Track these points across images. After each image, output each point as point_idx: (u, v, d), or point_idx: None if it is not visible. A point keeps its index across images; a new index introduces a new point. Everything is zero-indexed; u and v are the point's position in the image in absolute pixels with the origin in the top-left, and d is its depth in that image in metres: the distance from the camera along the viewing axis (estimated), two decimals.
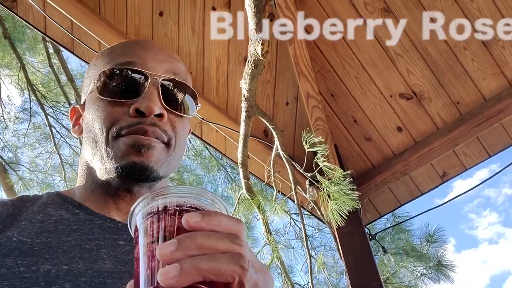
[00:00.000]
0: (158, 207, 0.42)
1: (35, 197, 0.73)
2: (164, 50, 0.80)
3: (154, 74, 0.73)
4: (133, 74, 0.73)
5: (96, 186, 0.75)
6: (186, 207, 0.42)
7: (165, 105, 0.72)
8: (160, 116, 0.71)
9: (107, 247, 0.64)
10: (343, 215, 2.20)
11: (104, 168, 0.72)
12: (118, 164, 0.69)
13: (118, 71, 0.73)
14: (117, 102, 0.72)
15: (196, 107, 0.80)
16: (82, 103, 0.82)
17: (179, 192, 0.43)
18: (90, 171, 0.77)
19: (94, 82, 0.76)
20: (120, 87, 0.73)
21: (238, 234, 0.42)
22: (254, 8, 1.47)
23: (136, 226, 0.44)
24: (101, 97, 0.73)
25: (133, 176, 0.70)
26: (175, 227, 0.41)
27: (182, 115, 0.76)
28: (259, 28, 1.54)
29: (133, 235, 0.45)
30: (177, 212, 0.42)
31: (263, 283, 0.43)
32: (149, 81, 0.72)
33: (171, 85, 0.75)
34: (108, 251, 0.63)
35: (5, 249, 0.59)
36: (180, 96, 0.77)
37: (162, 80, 0.74)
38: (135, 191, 0.74)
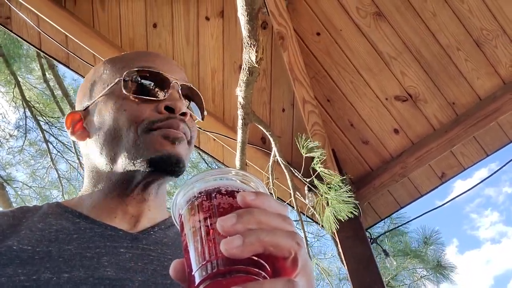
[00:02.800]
0: (208, 188, 0.44)
1: (35, 208, 0.73)
2: (173, 60, 0.87)
3: (174, 78, 0.79)
4: (156, 77, 0.77)
5: (110, 189, 0.75)
6: (235, 188, 0.45)
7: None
8: (184, 115, 0.76)
9: (108, 254, 0.64)
10: (341, 221, 2.20)
11: (133, 163, 0.72)
12: (153, 156, 0.71)
13: (143, 73, 0.77)
14: (145, 100, 0.75)
15: (203, 113, 0.86)
16: (83, 109, 0.82)
17: (222, 174, 0.46)
18: (102, 175, 0.76)
19: (114, 83, 0.78)
20: (145, 87, 0.77)
21: (286, 215, 0.44)
22: (247, 16, 1.48)
23: (185, 203, 0.45)
24: (127, 94, 0.75)
25: (168, 167, 0.71)
26: (228, 204, 0.43)
27: (197, 118, 0.83)
28: (252, 36, 1.55)
29: (177, 217, 0.47)
30: (228, 192, 0.44)
31: (310, 264, 0.45)
32: (171, 84, 0.77)
33: (187, 91, 0.82)
34: (110, 259, 0.63)
35: (5, 258, 0.58)
36: (193, 101, 0.83)
37: (181, 84, 0.80)
38: (149, 190, 0.75)
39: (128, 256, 0.65)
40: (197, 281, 0.40)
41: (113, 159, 0.74)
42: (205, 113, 0.87)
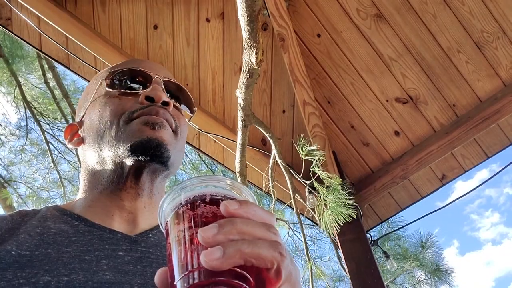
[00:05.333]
0: (194, 196, 0.44)
1: (33, 212, 0.73)
2: (160, 64, 0.89)
3: (157, 74, 0.82)
4: (138, 74, 0.81)
5: (105, 186, 0.76)
6: (220, 196, 0.44)
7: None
8: (167, 104, 0.78)
9: (107, 257, 0.64)
10: (340, 224, 2.20)
11: (116, 153, 0.73)
12: (132, 142, 0.72)
13: (125, 72, 0.81)
14: (126, 93, 0.78)
15: (193, 108, 0.88)
16: (79, 120, 0.85)
17: (211, 182, 0.45)
18: (97, 174, 0.78)
19: (98, 86, 0.81)
20: (127, 83, 0.80)
21: (272, 224, 0.44)
22: (247, 18, 1.48)
23: (170, 211, 0.45)
24: (110, 89, 0.79)
25: (148, 151, 0.72)
26: (212, 213, 0.42)
27: (182, 112, 0.84)
28: (253, 37, 1.55)
29: (163, 225, 0.46)
30: (212, 201, 0.43)
31: (295, 273, 0.44)
32: (153, 79, 0.80)
33: (171, 86, 0.84)
34: (108, 262, 0.63)
35: (4, 263, 0.58)
36: (178, 96, 0.85)
37: (164, 79, 0.82)
38: (141, 182, 0.75)
39: (127, 259, 0.65)
40: None
41: (101, 155, 0.76)
42: (195, 108, 0.88)
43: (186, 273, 0.40)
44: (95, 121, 0.78)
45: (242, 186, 0.47)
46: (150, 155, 0.72)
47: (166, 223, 0.45)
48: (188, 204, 0.43)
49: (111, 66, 0.91)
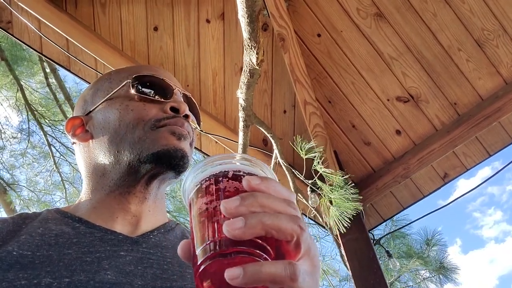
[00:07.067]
0: (217, 171, 0.46)
1: (34, 214, 0.73)
2: (173, 77, 0.91)
3: (176, 86, 0.84)
4: (161, 83, 0.82)
5: (114, 187, 0.76)
6: (242, 172, 0.46)
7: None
8: (187, 117, 0.81)
9: (108, 258, 0.64)
10: (346, 221, 2.19)
11: (137, 157, 0.74)
12: (160, 149, 0.73)
13: (149, 78, 0.82)
14: (151, 100, 0.80)
15: (200, 124, 0.90)
16: (84, 114, 0.84)
17: (233, 159, 0.47)
18: (106, 173, 0.77)
19: (120, 88, 0.82)
20: (151, 90, 0.81)
21: (292, 200, 0.45)
22: (248, 18, 1.48)
23: (194, 186, 0.47)
24: (135, 93, 0.79)
25: (173, 160, 0.74)
26: (234, 188, 0.44)
27: (196, 125, 0.87)
28: (253, 37, 1.55)
29: (187, 200, 0.48)
30: (234, 176, 0.45)
31: (314, 248, 0.45)
32: (174, 90, 0.83)
33: (188, 99, 0.87)
34: (110, 262, 0.63)
35: (5, 264, 0.58)
36: (191, 111, 0.86)
37: (182, 93, 0.85)
38: (150, 188, 0.77)
39: (128, 259, 0.65)
40: (199, 260, 0.41)
41: (117, 156, 0.76)
42: (202, 124, 0.92)
43: (208, 242, 0.41)
44: (113, 121, 0.78)
45: (263, 164, 0.48)
46: (174, 165, 0.74)
47: (189, 198, 0.47)
48: (212, 179, 0.45)
49: (126, 67, 0.92)
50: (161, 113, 0.78)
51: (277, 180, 0.48)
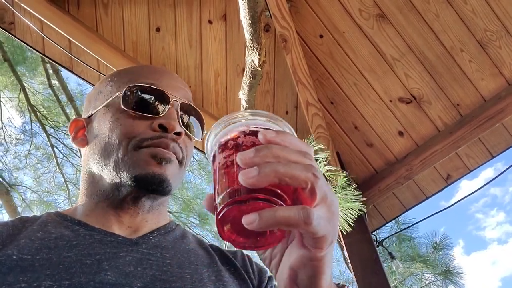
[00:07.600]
0: (236, 127, 0.48)
1: (34, 218, 0.74)
2: (179, 78, 0.88)
3: (175, 96, 0.80)
4: (156, 94, 0.78)
5: (101, 198, 0.76)
6: (260, 127, 0.48)
7: (182, 125, 0.79)
8: (178, 134, 0.77)
9: (108, 260, 0.64)
10: (350, 222, 2.19)
11: (119, 177, 0.73)
12: (138, 173, 0.72)
13: (143, 89, 0.78)
14: (141, 116, 0.76)
15: (203, 133, 0.86)
16: (87, 116, 0.84)
17: (256, 115, 0.49)
18: (95, 182, 0.78)
19: (115, 96, 0.79)
20: (143, 103, 0.78)
21: (308, 152, 0.46)
22: (250, 20, 1.48)
23: (215, 143, 0.50)
24: (125, 108, 0.76)
25: (151, 186, 0.72)
26: (251, 142, 0.47)
27: (194, 137, 0.83)
28: (255, 38, 1.55)
29: (210, 156, 0.51)
30: (252, 132, 0.48)
31: (331, 196, 0.45)
32: (170, 102, 0.78)
33: (187, 109, 0.82)
34: (110, 263, 0.63)
35: (5, 267, 0.58)
36: (192, 120, 0.84)
37: (181, 103, 0.81)
38: (140, 204, 0.76)
39: (128, 259, 0.65)
40: (219, 208, 0.44)
41: (102, 170, 0.76)
42: (205, 132, 0.88)
43: (225, 192, 0.44)
44: (103, 134, 0.77)
45: (280, 118, 0.50)
46: (152, 190, 0.73)
47: (211, 154, 0.50)
48: (230, 135, 0.48)
49: (131, 67, 0.89)
50: (148, 131, 0.75)
51: (295, 135, 0.49)
